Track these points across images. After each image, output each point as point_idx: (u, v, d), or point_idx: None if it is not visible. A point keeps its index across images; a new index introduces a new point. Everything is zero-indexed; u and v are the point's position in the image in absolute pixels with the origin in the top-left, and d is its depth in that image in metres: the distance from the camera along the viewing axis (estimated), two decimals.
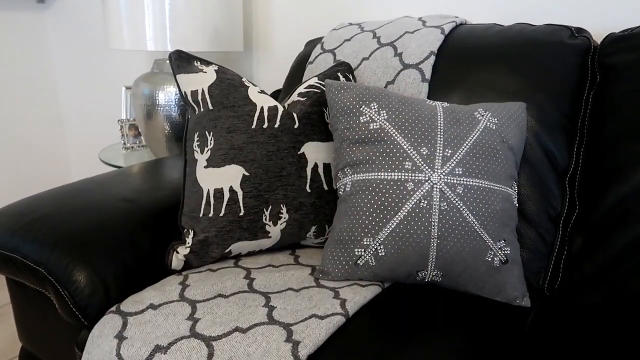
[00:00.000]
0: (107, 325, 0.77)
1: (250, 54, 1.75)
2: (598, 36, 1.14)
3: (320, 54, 1.25)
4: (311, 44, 1.38)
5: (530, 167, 0.96)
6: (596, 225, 0.90)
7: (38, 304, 0.95)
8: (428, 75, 1.06)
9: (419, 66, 1.07)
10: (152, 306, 0.79)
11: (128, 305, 0.80)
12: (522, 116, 0.94)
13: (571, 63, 1.00)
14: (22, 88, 2.32)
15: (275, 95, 1.55)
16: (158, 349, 0.70)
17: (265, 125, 0.92)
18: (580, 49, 1.02)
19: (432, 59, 1.07)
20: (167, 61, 1.58)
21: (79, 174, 2.57)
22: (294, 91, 1.03)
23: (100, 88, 2.27)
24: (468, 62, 1.05)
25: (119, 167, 1.61)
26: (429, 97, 1.06)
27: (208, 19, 1.44)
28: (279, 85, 1.73)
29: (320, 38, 1.37)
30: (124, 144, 1.77)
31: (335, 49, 1.23)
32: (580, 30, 1.06)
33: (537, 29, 1.07)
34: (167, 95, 1.51)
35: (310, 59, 1.27)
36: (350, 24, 1.31)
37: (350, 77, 1.09)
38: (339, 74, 1.07)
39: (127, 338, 0.73)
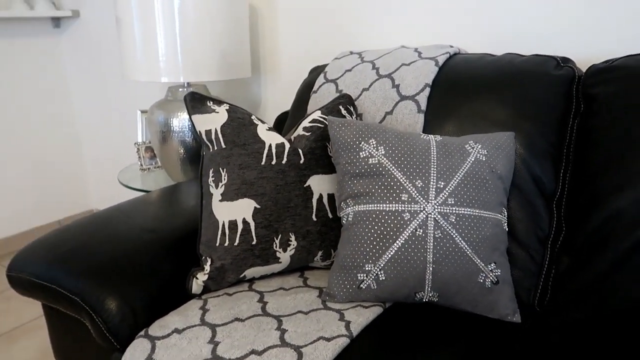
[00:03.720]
0: (137, 348, 0.86)
1: (259, 78, 1.84)
2: (586, 63, 1.22)
3: (324, 83, 1.34)
4: (315, 72, 1.47)
5: (520, 192, 1.04)
6: (580, 247, 0.97)
7: (72, 327, 1.05)
8: (424, 106, 1.14)
9: (415, 98, 1.15)
10: (177, 330, 0.88)
11: (155, 329, 0.89)
12: (510, 145, 1.02)
13: (557, 93, 1.08)
14: (39, 110, 2.43)
15: (283, 117, 1.64)
16: None
17: (273, 162, 1.01)
18: (566, 79, 1.09)
19: (427, 90, 1.15)
20: (180, 89, 1.67)
21: (97, 193, 2.68)
22: (299, 124, 1.12)
23: (116, 111, 2.38)
24: (461, 93, 1.13)
25: (137, 189, 1.70)
26: (424, 127, 1.14)
27: (217, 48, 1.53)
28: (286, 106, 1.82)
29: (324, 66, 1.45)
30: (141, 165, 1.87)
31: (337, 79, 1.31)
32: (565, 60, 1.13)
33: (526, 60, 1.14)
34: (181, 122, 1.61)
35: (315, 88, 1.35)
36: (352, 53, 1.40)
37: (352, 109, 1.17)
38: (340, 106, 1.15)
39: None
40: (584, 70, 1.14)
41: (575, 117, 1.07)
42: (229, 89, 1.93)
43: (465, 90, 1.13)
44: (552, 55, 1.14)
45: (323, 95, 1.32)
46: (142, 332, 0.90)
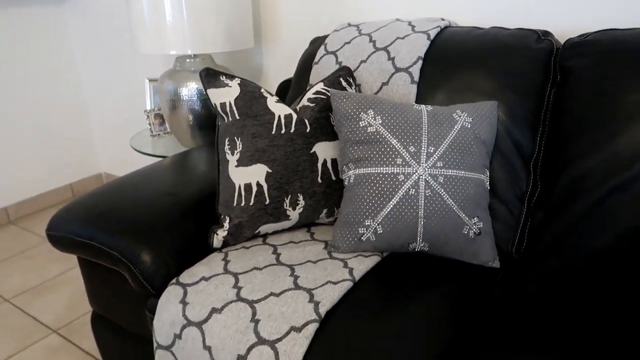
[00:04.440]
0: (171, 293, 1.01)
1: (260, 48, 1.93)
2: (567, 34, 1.32)
3: (324, 55, 1.44)
4: (316, 43, 1.56)
5: (502, 154, 1.17)
6: (552, 203, 1.12)
7: (107, 277, 1.20)
8: (416, 77, 1.26)
9: (409, 70, 1.26)
10: (204, 278, 1.03)
11: (185, 277, 1.04)
12: (493, 113, 1.14)
13: (537, 65, 1.19)
14: (47, 78, 2.51)
15: (285, 84, 1.74)
16: (214, 310, 0.94)
17: (282, 131, 1.13)
18: (545, 52, 1.20)
19: (420, 63, 1.26)
20: (187, 60, 1.77)
21: (106, 158, 2.79)
22: (304, 95, 1.23)
23: (122, 79, 2.46)
24: (450, 65, 1.24)
25: (150, 154, 1.82)
26: (417, 97, 1.25)
27: (222, 20, 1.62)
28: (287, 74, 1.92)
29: (324, 37, 1.55)
30: (151, 131, 1.98)
31: (337, 51, 1.42)
32: (545, 33, 1.24)
33: (510, 34, 1.25)
34: (189, 91, 1.71)
35: (316, 60, 1.46)
36: (349, 25, 1.49)
37: (351, 80, 1.29)
38: (340, 78, 1.26)
39: (189, 303, 0.97)
40: (563, 42, 1.25)
41: (552, 87, 1.20)
42: (233, 58, 2.03)
43: (454, 62, 1.24)
44: (533, 29, 1.25)
45: (324, 66, 1.42)
46: (174, 280, 1.04)
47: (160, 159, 1.87)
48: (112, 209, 1.16)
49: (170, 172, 1.37)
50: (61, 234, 1.15)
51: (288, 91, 1.67)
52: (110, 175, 2.80)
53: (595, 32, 1.17)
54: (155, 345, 1.01)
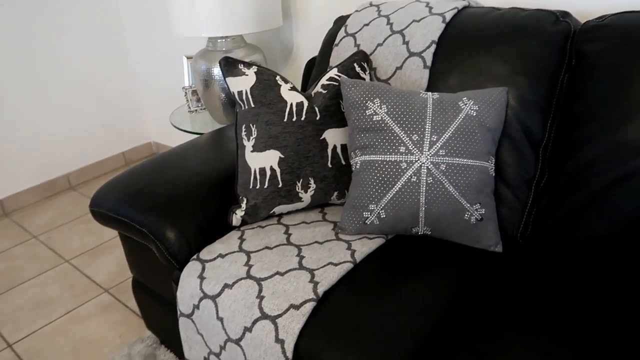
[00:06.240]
0: (192, 268, 1.13)
1: (290, 25, 1.97)
2: (589, 16, 1.28)
3: (344, 37, 1.47)
4: (339, 22, 1.59)
5: (510, 140, 1.18)
6: (558, 189, 1.13)
7: (142, 249, 1.34)
8: (429, 62, 1.27)
9: (422, 54, 1.28)
10: (221, 255, 1.14)
11: (204, 254, 1.16)
12: (501, 100, 1.15)
13: (552, 49, 1.17)
14: (97, 53, 2.68)
15: (311, 63, 1.78)
16: (226, 286, 1.05)
17: (294, 119, 1.19)
18: (561, 35, 1.18)
19: (433, 47, 1.27)
20: (219, 40, 1.84)
21: (155, 127, 2.96)
22: (319, 80, 1.29)
23: (165, 54, 2.58)
24: (464, 49, 1.25)
25: (187, 131, 1.94)
26: (429, 81, 1.27)
27: (251, 1, 1.66)
28: (316, 50, 1.96)
29: (346, 17, 1.57)
30: (189, 107, 2.09)
31: (356, 33, 1.44)
32: (564, 14, 1.21)
33: (527, 15, 1.23)
34: (221, 71, 1.79)
35: (336, 41, 1.49)
36: (371, 5, 1.51)
37: (365, 66, 1.32)
38: (355, 64, 1.30)
39: (206, 278, 1.09)
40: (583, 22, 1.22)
41: (566, 72, 1.18)
42: (263, 36, 2.08)
43: (468, 46, 1.24)
44: (552, 10, 1.22)
45: (343, 48, 1.46)
46: (194, 256, 1.16)
47: (197, 135, 1.99)
48: (145, 188, 1.28)
49: (201, 151, 1.48)
50: (100, 210, 1.29)
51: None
52: (159, 144, 2.98)
53: (613, 14, 1.13)
54: (178, 312, 1.15)
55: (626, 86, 1.04)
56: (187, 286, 1.11)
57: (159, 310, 1.42)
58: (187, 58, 2.12)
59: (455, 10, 1.31)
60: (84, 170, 2.74)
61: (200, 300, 1.08)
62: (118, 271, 1.96)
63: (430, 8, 1.35)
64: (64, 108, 2.59)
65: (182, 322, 1.14)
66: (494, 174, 1.16)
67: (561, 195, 1.12)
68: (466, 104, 1.12)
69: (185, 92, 2.07)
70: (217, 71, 1.81)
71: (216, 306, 1.04)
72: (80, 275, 1.96)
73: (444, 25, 1.29)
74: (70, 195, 2.62)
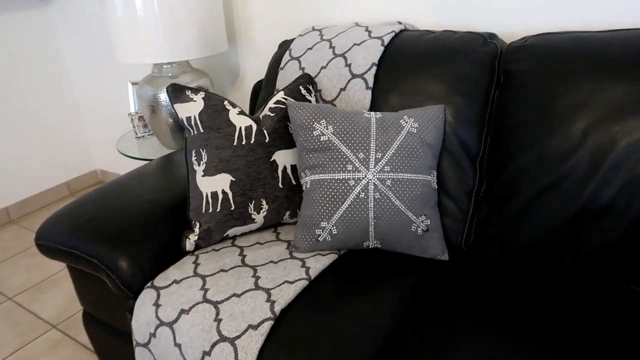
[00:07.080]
0: (146, 296, 1.12)
1: (235, 49, 2.00)
2: (515, 36, 1.39)
3: (289, 60, 1.52)
4: (283, 46, 1.64)
5: (450, 154, 1.26)
6: (495, 199, 1.21)
7: (92, 281, 1.31)
8: (371, 83, 1.33)
9: (364, 76, 1.34)
10: (176, 281, 1.14)
11: (159, 281, 1.15)
12: (439, 117, 1.23)
13: (483, 68, 1.27)
14: (37, 81, 2.60)
15: (259, 85, 1.82)
16: (183, 311, 1.05)
17: (243, 142, 1.22)
18: (490, 55, 1.28)
19: (374, 69, 1.34)
20: (164, 66, 1.84)
21: (100, 155, 2.89)
22: (266, 103, 1.32)
23: (109, 80, 2.54)
24: (403, 70, 1.32)
25: (135, 158, 1.92)
26: (372, 102, 1.34)
27: (195, 28, 1.69)
28: (263, 73, 2.00)
29: (290, 42, 1.62)
30: (136, 133, 2.07)
31: (300, 56, 1.49)
32: (491, 36, 1.31)
33: (458, 38, 1.32)
34: (167, 97, 1.79)
35: (282, 65, 1.53)
36: (313, 29, 1.57)
37: (311, 88, 1.37)
38: (300, 87, 1.34)
39: (161, 305, 1.08)
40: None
41: (496, 89, 1.27)
42: (210, 61, 2.10)
43: (406, 68, 1.32)
44: (480, 32, 1.32)
45: (289, 71, 1.50)
46: (149, 284, 1.15)
47: (145, 161, 1.96)
48: (94, 218, 1.26)
49: (151, 177, 1.47)
50: (47, 243, 1.26)
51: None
52: (105, 171, 2.91)
53: (534, 35, 1.23)
54: (134, 342, 1.13)
55: (549, 101, 1.14)
56: (143, 315, 1.10)
57: (113, 342, 1.38)
58: (133, 84, 2.11)
59: (393, 34, 1.39)
60: (24, 202, 2.63)
61: (157, 328, 1.07)
62: (66, 305, 1.89)
63: (370, 32, 1.42)
64: (1, 139, 2.49)
65: (139, 352, 1.12)
66: (436, 187, 1.23)
67: (498, 204, 1.20)
68: (407, 122, 1.19)
69: (132, 119, 2.05)
70: (163, 97, 1.81)
71: (173, 333, 1.04)
72: (25, 313, 1.87)
73: (382, 48, 1.36)
74: (11, 229, 2.51)
